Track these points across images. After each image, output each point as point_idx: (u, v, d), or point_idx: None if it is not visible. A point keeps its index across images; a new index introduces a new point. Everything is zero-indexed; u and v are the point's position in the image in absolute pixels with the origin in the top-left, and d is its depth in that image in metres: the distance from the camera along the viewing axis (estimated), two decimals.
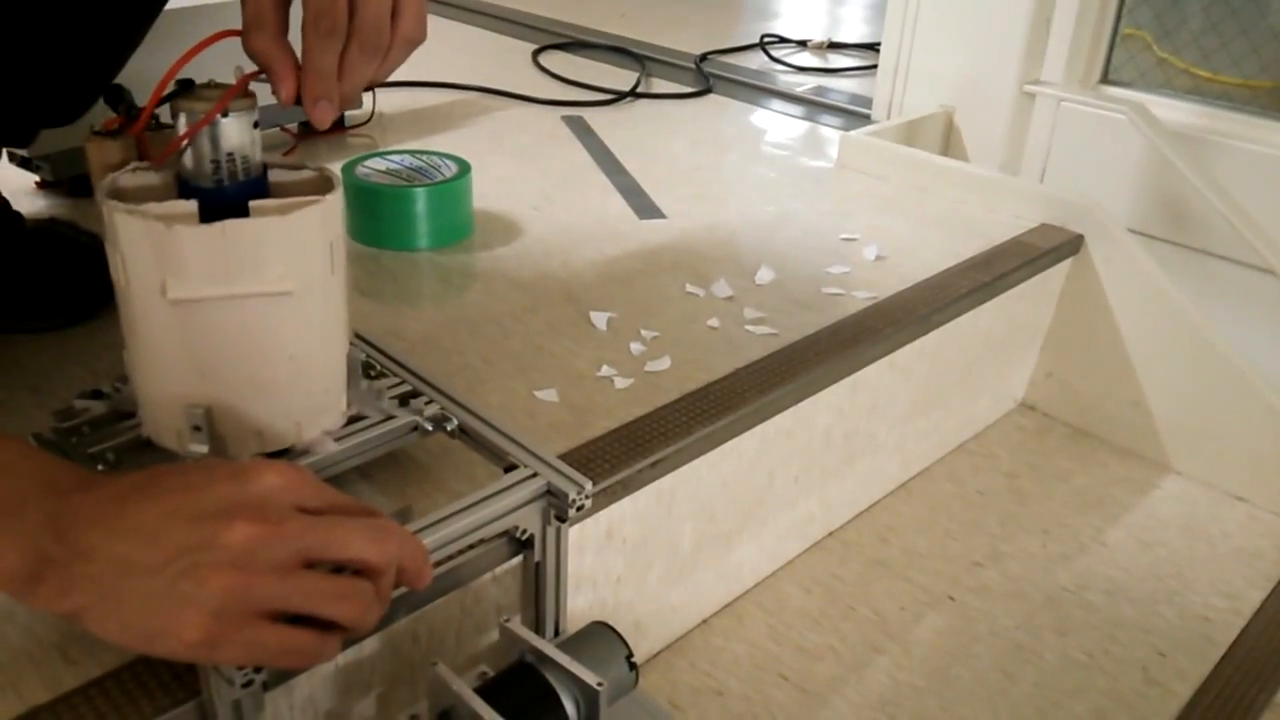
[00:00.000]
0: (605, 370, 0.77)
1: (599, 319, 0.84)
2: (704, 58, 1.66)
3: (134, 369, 0.54)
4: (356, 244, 0.95)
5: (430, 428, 0.61)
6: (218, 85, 0.51)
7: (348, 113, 1.20)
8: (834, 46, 1.80)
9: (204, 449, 0.52)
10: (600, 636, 0.58)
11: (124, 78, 0.59)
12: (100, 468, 0.54)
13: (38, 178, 0.99)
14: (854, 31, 1.95)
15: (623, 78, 1.52)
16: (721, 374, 0.77)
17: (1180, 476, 1.04)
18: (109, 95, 0.55)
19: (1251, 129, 1.18)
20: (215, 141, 0.50)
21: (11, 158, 0.96)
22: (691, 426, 0.70)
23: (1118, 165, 1.23)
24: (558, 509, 0.58)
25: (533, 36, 1.72)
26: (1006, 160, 1.31)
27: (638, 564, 0.72)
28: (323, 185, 0.54)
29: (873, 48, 1.69)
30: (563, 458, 0.62)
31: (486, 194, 1.06)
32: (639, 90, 1.47)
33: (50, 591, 0.42)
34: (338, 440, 0.57)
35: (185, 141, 0.50)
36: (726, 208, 1.08)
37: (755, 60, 1.70)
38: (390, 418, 0.60)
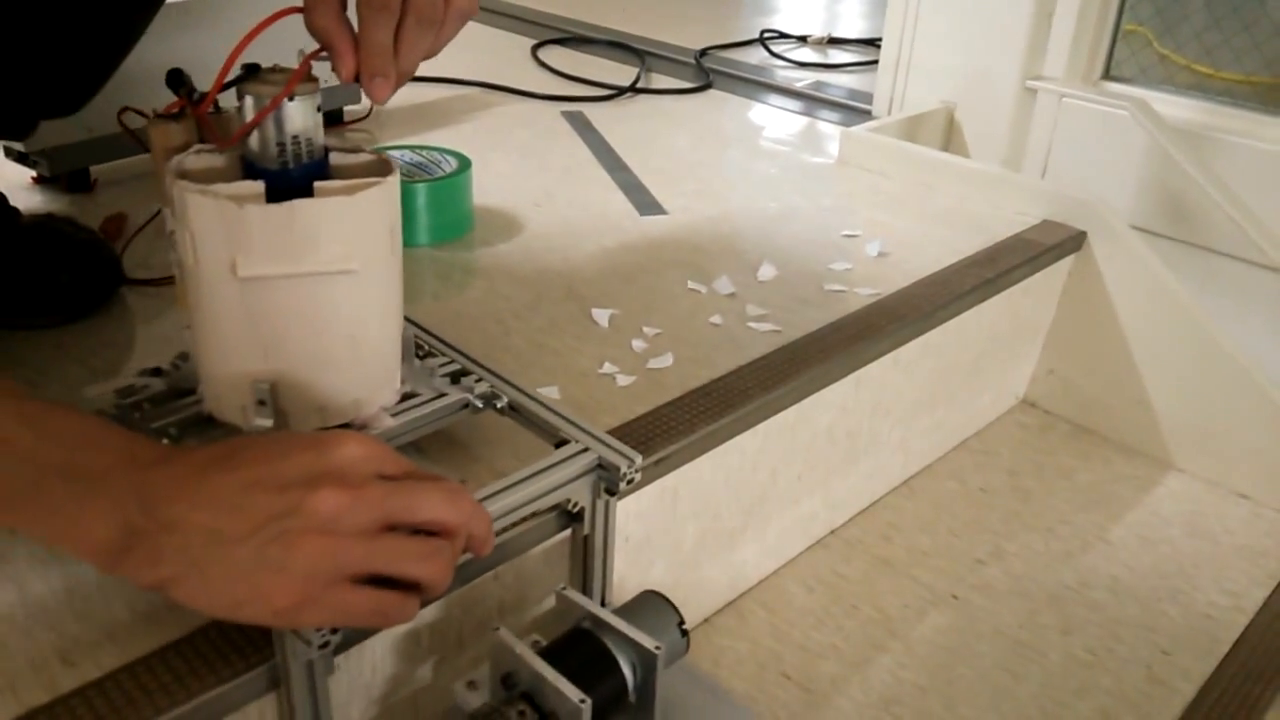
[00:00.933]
0: (607, 367, 0.76)
1: (601, 316, 0.83)
2: (704, 53, 1.65)
3: (199, 346, 0.55)
4: None
5: (481, 404, 0.63)
6: (282, 69, 0.52)
7: (346, 108, 1.19)
8: (834, 42, 1.80)
9: (268, 423, 0.53)
10: (652, 604, 0.59)
11: (180, 59, 0.59)
12: (164, 442, 0.55)
13: (34, 173, 0.98)
14: (854, 27, 1.94)
15: (623, 73, 1.51)
16: (724, 371, 0.76)
17: (1183, 474, 1.03)
18: (169, 78, 0.55)
19: (1254, 125, 1.17)
20: (281, 124, 0.51)
21: (8, 153, 0.96)
22: (694, 424, 0.70)
23: (1120, 161, 1.23)
24: (608, 482, 0.60)
25: (532, 31, 1.71)
26: (1008, 156, 1.30)
27: (640, 562, 0.71)
28: (381, 168, 0.55)
29: (873, 43, 1.69)
30: None
31: (487, 190, 1.05)
32: (639, 85, 1.46)
33: (138, 563, 0.43)
34: (393, 416, 0.59)
35: (255, 124, 0.51)
36: (728, 204, 1.08)
37: (755, 55, 1.70)
38: (442, 395, 0.61)
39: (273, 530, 0.43)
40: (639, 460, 0.59)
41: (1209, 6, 1.23)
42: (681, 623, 0.59)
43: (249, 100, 0.51)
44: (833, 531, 0.92)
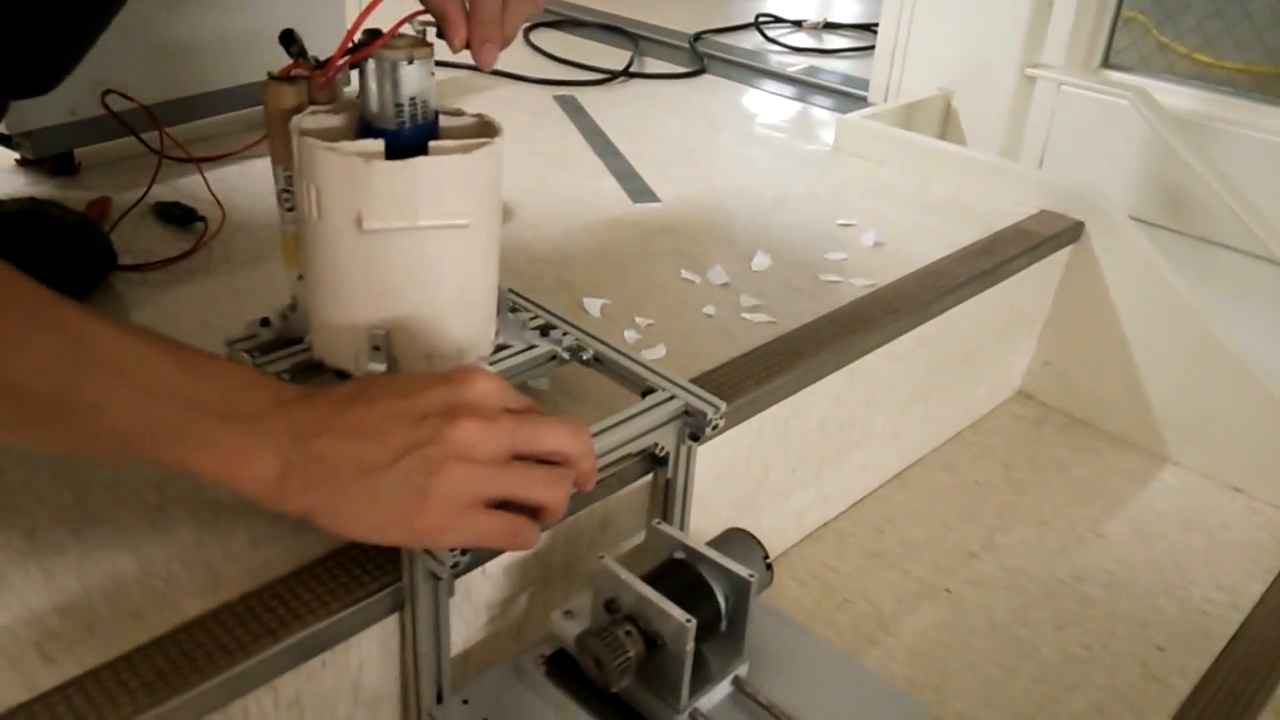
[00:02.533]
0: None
1: (592, 305, 0.82)
2: (698, 37, 1.64)
3: (315, 295, 0.58)
4: None
5: (567, 356, 0.66)
6: (401, 35, 0.54)
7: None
8: (830, 27, 1.78)
9: (382, 368, 0.55)
10: (739, 540, 0.62)
11: (292, 19, 0.62)
12: None
13: (18, 156, 0.97)
14: (850, 11, 1.92)
15: (616, 57, 1.49)
16: (718, 363, 0.75)
17: (1178, 467, 1.03)
18: (282, 39, 0.58)
19: (1254, 115, 1.17)
20: (399, 86, 0.53)
21: None
22: None
23: (1118, 151, 1.22)
24: (693, 428, 0.63)
25: None
26: (1006, 145, 1.29)
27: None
28: (486, 129, 0.58)
29: (869, 28, 1.67)
30: None
31: None
32: (632, 70, 1.45)
33: (290, 493, 0.47)
34: (491, 364, 0.62)
35: (373, 83, 0.54)
36: (722, 191, 1.07)
37: (750, 40, 1.68)
38: (532, 346, 0.65)
39: (414, 458, 0.46)
40: (724, 407, 0.62)
41: None
42: (766, 556, 0.61)
43: (371, 63, 0.53)
44: (825, 524, 0.91)
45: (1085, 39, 1.25)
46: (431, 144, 0.54)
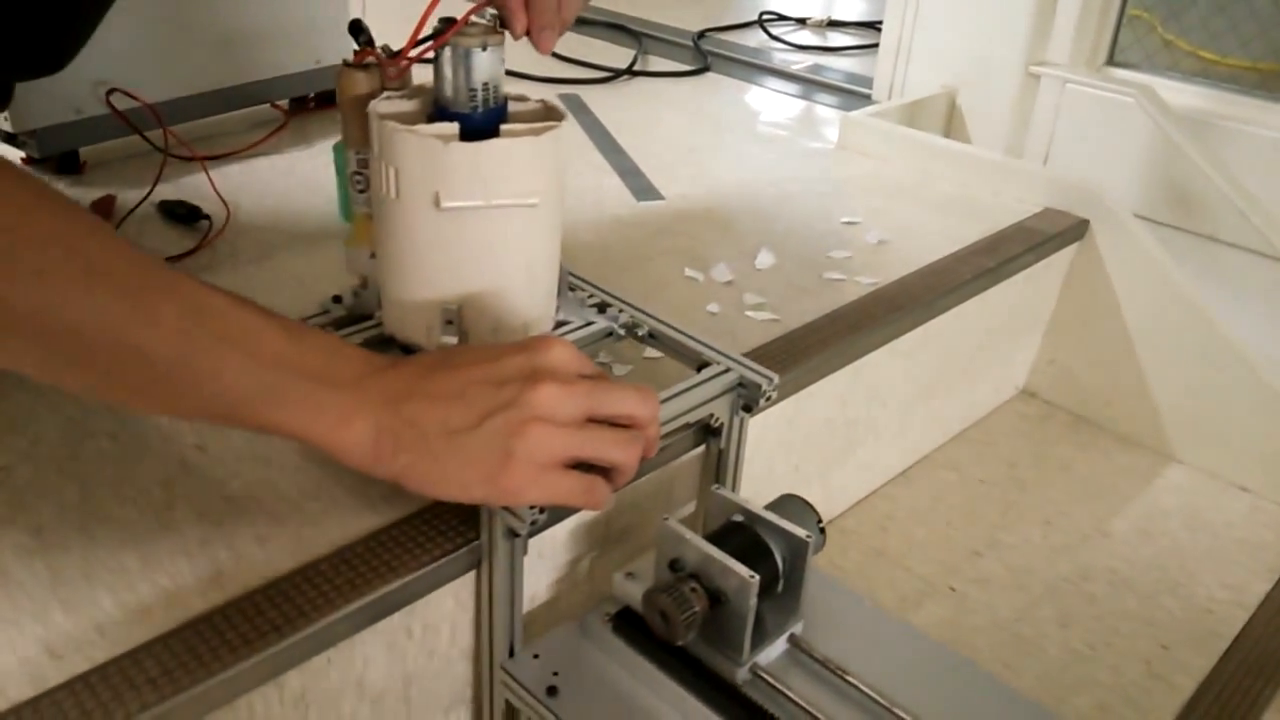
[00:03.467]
0: (603, 357, 0.75)
1: None
2: (702, 35, 1.64)
3: (389, 272, 0.61)
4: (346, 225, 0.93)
5: (623, 333, 0.69)
6: (474, 23, 0.57)
7: None
8: (834, 24, 1.78)
9: (454, 341, 0.59)
10: (794, 504, 0.64)
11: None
12: None
13: (23, 155, 0.97)
14: (854, 9, 1.92)
15: (619, 55, 1.49)
16: None
17: (1183, 466, 1.03)
18: (351, 28, 0.61)
19: (1260, 112, 1.16)
20: (472, 72, 0.57)
21: None
22: None
23: (1123, 149, 1.22)
24: (747, 399, 0.65)
25: None
26: (1010, 143, 1.29)
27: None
28: (551, 113, 0.61)
29: (874, 26, 1.67)
30: None
31: None
32: (636, 68, 1.45)
33: (382, 456, 0.49)
34: None
35: (448, 69, 0.57)
36: (725, 189, 1.07)
37: (754, 38, 1.68)
38: (590, 323, 0.68)
39: (498, 420, 0.49)
40: (777, 379, 0.65)
41: None
42: (820, 520, 0.62)
43: (447, 50, 0.56)
44: (828, 522, 0.91)
45: (1090, 36, 1.25)
46: (504, 127, 0.57)
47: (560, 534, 0.64)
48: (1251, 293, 1.17)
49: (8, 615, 0.51)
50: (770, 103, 1.37)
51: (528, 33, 0.57)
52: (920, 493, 0.96)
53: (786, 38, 1.68)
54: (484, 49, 0.56)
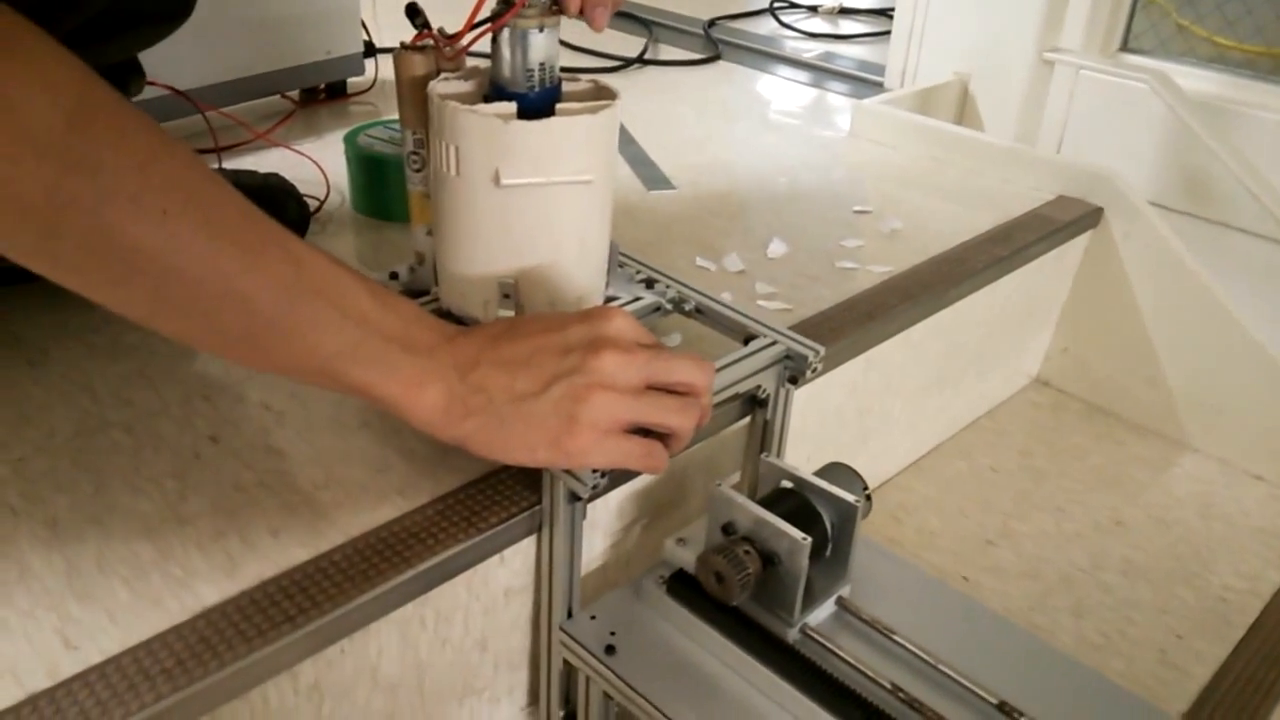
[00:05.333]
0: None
1: None
2: (713, 23, 1.63)
3: (448, 249, 0.62)
4: (358, 215, 0.93)
5: (670, 307, 0.71)
6: (532, 5, 0.58)
7: (350, 80, 1.18)
8: (845, 12, 1.77)
9: (510, 313, 0.60)
10: (840, 471, 0.65)
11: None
12: None
13: None
14: None
15: (630, 44, 1.49)
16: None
17: (1198, 454, 1.02)
18: (407, 11, 0.63)
19: (1275, 98, 1.15)
20: (529, 52, 0.58)
21: None
22: None
23: (1138, 136, 1.21)
24: (793, 371, 0.67)
25: None
26: (1023, 130, 1.28)
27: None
28: (603, 92, 0.62)
29: (885, 13, 1.66)
30: None
31: None
32: (646, 57, 1.44)
33: (452, 420, 0.51)
34: None
35: (506, 50, 0.58)
36: (737, 178, 1.06)
37: (765, 26, 1.67)
38: (638, 298, 0.69)
39: (562, 386, 0.51)
40: (823, 351, 0.66)
41: None
42: (866, 487, 0.64)
43: (505, 31, 0.57)
44: None
45: (1104, 22, 1.24)
46: (559, 106, 0.59)
47: (612, 503, 0.66)
48: (1267, 280, 1.16)
49: (24, 606, 0.51)
50: (781, 91, 1.37)
51: (580, 11, 0.58)
52: (933, 482, 0.96)
53: (798, 25, 1.67)
54: (541, 30, 0.57)
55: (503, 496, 0.59)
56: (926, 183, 1.07)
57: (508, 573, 0.61)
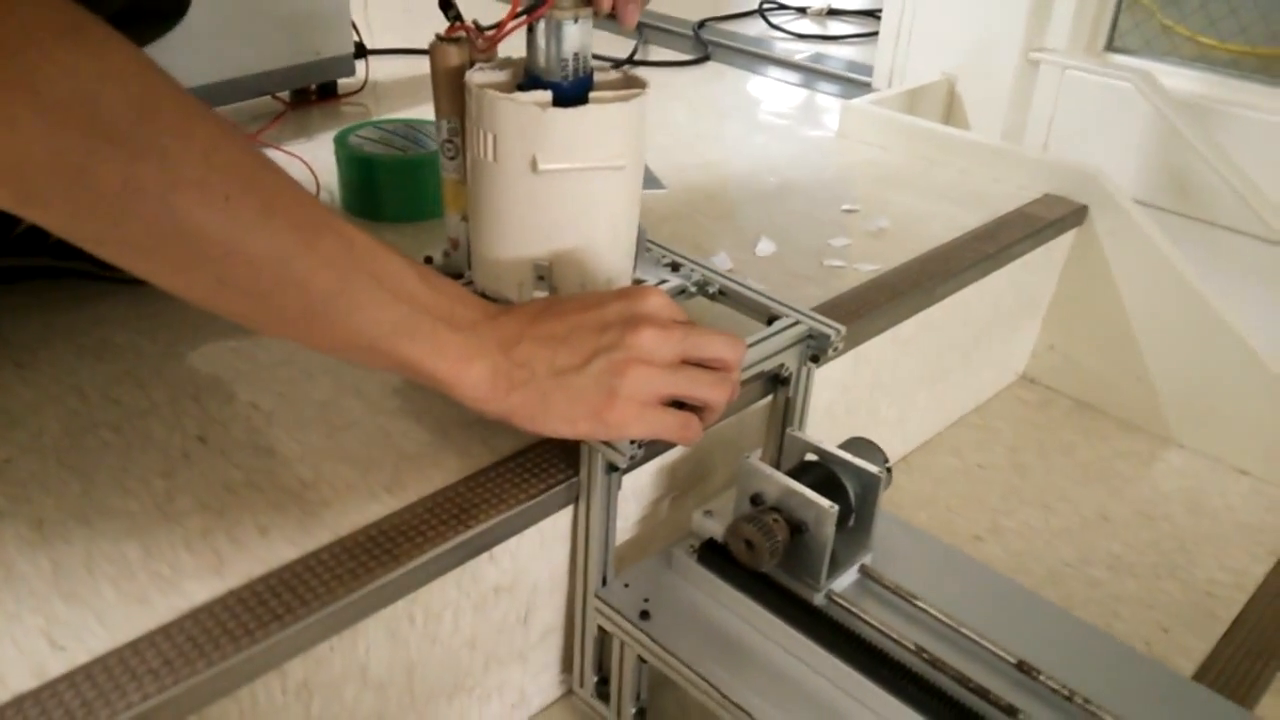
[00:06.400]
0: None
1: None
2: (702, 24, 1.63)
3: (485, 233, 0.64)
4: (350, 216, 0.93)
5: (695, 290, 0.73)
6: None
7: (340, 80, 1.18)
8: (833, 13, 1.78)
9: (544, 294, 0.62)
10: (862, 444, 0.66)
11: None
12: None
13: None
14: None
15: (619, 44, 1.49)
16: None
17: (1183, 449, 1.03)
18: (441, 5, 0.64)
19: (1259, 97, 1.16)
20: (564, 43, 0.60)
21: None
22: None
23: (1123, 134, 1.21)
24: (815, 350, 0.69)
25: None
26: (1009, 129, 1.29)
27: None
28: (633, 82, 0.64)
29: (873, 14, 1.67)
30: None
31: None
32: (636, 58, 1.44)
33: (497, 394, 0.53)
34: None
35: (542, 40, 0.60)
36: (726, 178, 1.06)
37: (754, 27, 1.68)
38: (664, 280, 0.71)
39: (602, 361, 0.53)
40: (844, 330, 0.68)
41: None
42: (886, 460, 0.65)
43: (541, 23, 0.59)
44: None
45: (1089, 22, 1.25)
46: (592, 94, 0.61)
47: (643, 476, 0.68)
48: (1250, 277, 1.17)
49: (9, 607, 0.51)
50: (771, 91, 1.37)
51: (612, 8, 0.60)
52: (921, 478, 0.97)
53: (787, 26, 1.68)
54: (575, 21, 0.59)
55: (490, 494, 0.59)
56: (914, 182, 1.07)
57: (497, 570, 0.61)
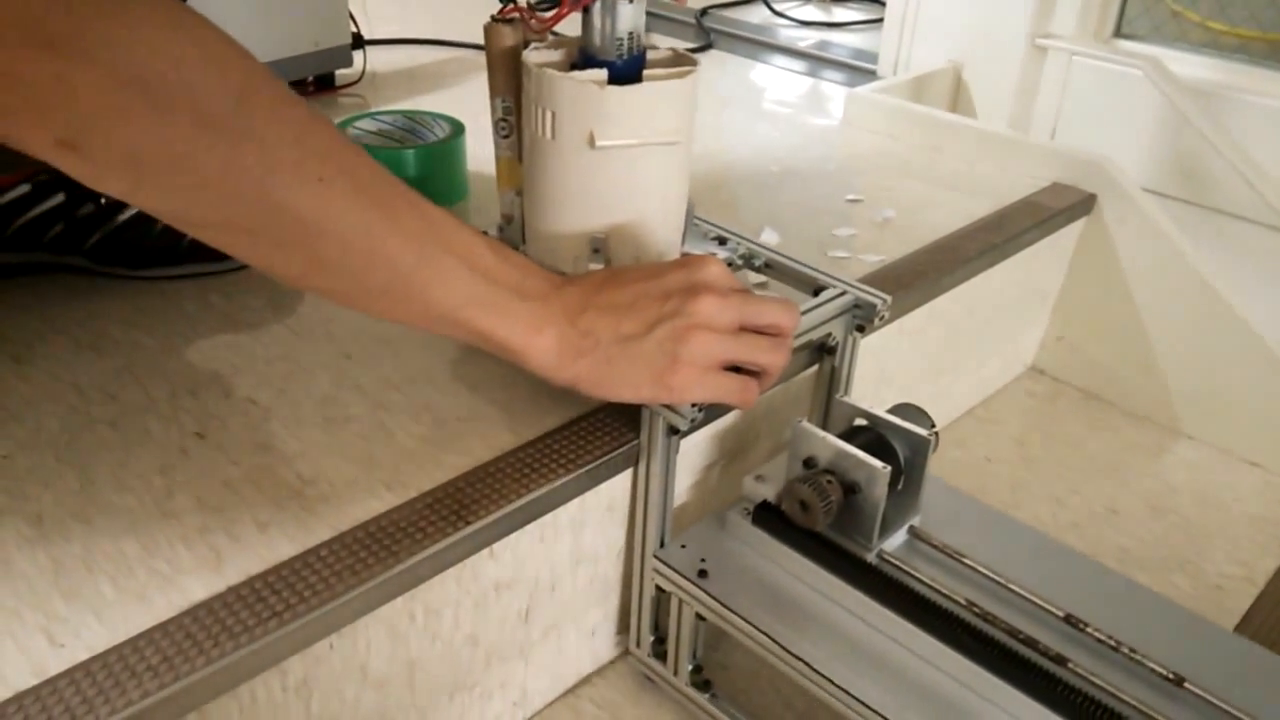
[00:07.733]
0: None
1: None
2: (705, 12, 1.62)
3: (541, 208, 0.66)
4: None
5: (741, 263, 0.75)
6: None
7: (338, 71, 1.17)
8: (839, 0, 1.76)
9: (600, 267, 0.63)
10: (910, 410, 0.67)
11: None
12: None
13: None
14: None
15: None
16: None
17: (1193, 441, 1.02)
18: None
19: (1270, 83, 1.15)
20: (618, 22, 0.61)
21: None
22: None
23: (1131, 122, 1.20)
24: (861, 319, 0.71)
25: None
26: (1016, 117, 1.28)
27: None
28: (683, 59, 0.65)
29: (878, 0, 1.65)
30: (563, 428, 0.64)
31: (481, 155, 1.03)
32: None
33: (564, 362, 0.55)
34: None
35: (597, 20, 0.62)
36: (729, 167, 1.06)
37: (757, 14, 1.67)
38: (712, 254, 0.70)
39: (664, 328, 0.55)
40: (889, 299, 0.70)
41: None
42: (933, 425, 0.66)
43: (597, 3, 0.61)
44: None
45: (1096, 8, 1.23)
46: (647, 72, 0.62)
47: (699, 441, 0.70)
48: (1261, 266, 1.16)
49: (9, 604, 0.50)
50: (774, 80, 1.36)
51: None
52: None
53: (790, 14, 1.67)
54: (630, 1, 0.61)
55: (490, 490, 0.59)
56: (920, 171, 1.06)
57: (497, 567, 0.60)
